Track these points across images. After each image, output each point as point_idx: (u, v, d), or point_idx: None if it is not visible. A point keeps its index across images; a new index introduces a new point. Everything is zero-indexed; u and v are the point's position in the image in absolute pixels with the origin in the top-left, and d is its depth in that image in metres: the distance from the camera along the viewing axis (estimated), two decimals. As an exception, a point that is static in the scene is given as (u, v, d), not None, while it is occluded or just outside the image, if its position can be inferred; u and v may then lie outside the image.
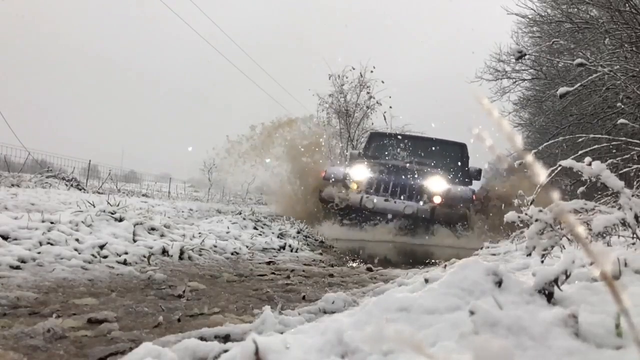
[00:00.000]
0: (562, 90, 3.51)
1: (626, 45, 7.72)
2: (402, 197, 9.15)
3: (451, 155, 10.99)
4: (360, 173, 9.57)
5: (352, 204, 9.01)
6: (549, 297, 1.08)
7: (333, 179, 9.60)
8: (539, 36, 13.55)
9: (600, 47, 9.34)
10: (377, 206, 8.84)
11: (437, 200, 9.04)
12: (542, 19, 12.94)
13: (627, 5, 8.28)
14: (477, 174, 10.55)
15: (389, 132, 12.60)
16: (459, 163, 10.91)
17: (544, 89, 14.56)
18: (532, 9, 13.06)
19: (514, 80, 15.69)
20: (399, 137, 11.85)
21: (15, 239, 2.76)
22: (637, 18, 8.16)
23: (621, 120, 4.43)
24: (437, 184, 9.16)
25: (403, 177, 9.37)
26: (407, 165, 9.75)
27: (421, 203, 9.00)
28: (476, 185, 11.24)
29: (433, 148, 11.03)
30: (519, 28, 14.73)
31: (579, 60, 3.63)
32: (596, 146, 5.13)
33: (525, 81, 15.93)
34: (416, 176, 9.38)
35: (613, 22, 8.58)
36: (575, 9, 11.08)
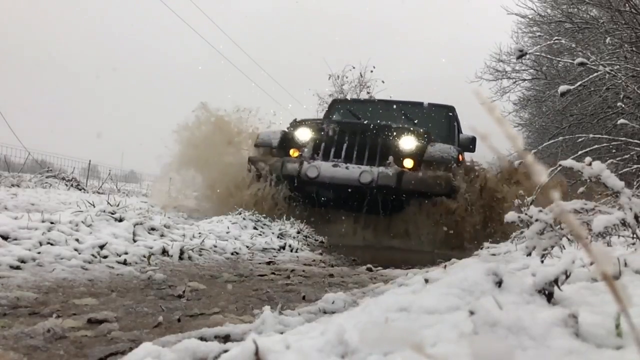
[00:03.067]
0: (562, 88, 3.51)
1: (626, 45, 7.72)
2: (359, 162, 6.61)
3: (435, 120, 8.30)
4: (304, 135, 7.00)
5: (288, 174, 6.53)
6: (549, 297, 1.08)
7: (266, 145, 7.24)
8: (539, 36, 13.55)
9: (600, 47, 9.34)
10: (322, 175, 6.32)
11: (408, 164, 6.57)
12: (542, 19, 12.95)
13: (627, 5, 8.28)
14: (471, 144, 7.85)
15: (357, 98, 9.74)
16: (446, 130, 8.22)
17: (544, 89, 14.57)
18: (532, 9, 13.07)
19: (514, 80, 15.70)
20: (369, 102, 9.39)
21: (15, 239, 2.76)
22: (637, 18, 8.15)
23: (621, 121, 4.43)
24: (408, 143, 6.68)
25: (361, 136, 6.77)
26: (368, 122, 7.21)
27: (384, 168, 6.38)
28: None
29: (412, 113, 8.37)
30: (518, 28, 14.75)
31: (580, 60, 3.63)
32: (596, 146, 5.13)
33: (525, 81, 15.94)
34: (380, 134, 6.77)
35: (613, 22, 8.58)
36: (575, 9, 11.08)
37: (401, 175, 6.27)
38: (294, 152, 7.07)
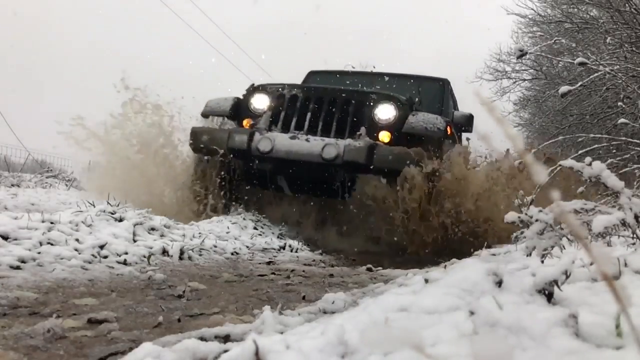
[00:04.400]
0: (563, 89, 3.51)
1: (626, 45, 7.72)
2: (326, 135, 5.41)
3: (426, 95, 6.82)
4: (261, 102, 5.74)
5: (235, 148, 5.34)
6: (549, 297, 1.08)
7: (215, 114, 6.05)
8: (539, 36, 13.56)
9: (601, 47, 9.34)
10: (277, 149, 5.19)
11: (384, 137, 5.40)
12: (542, 19, 12.96)
13: (627, 5, 8.28)
14: (467, 122, 6.59)
15: (337, 69, 7.86)
16: (438, 106, 6.82)
17: (544, 89, 14.57)
18: (532, 9, 13.08)
19: (514, 80, 15.71)
20: (351, 73, 7.64)
21: (15, 239, 2.76)
22: (637, 18, 8.16)
23: (621, 120, 4.43)
24: (385, 112, 5.49)
25: (329, 104, 5.55)
26: (338, 88, 5.99)
27: (352, 140, 5.19)
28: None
29: (399, 86, 6.86)
30: (518, 28, 14.75)
31: (580, 59, 3.64)
32: (596, 146, 5.13)
33: (525, 81, 15.95)
34: (352, 102, 5.57)
35: (613, 22, 8.59)
36: (575, 9, 11.09)
37: (373, 150, 5.05)
38: (248, 123, 5.76)
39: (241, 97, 5.98)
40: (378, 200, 5.29)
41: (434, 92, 7.10)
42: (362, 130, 5.31)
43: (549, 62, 13.49)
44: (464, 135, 7.11)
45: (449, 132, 5.70)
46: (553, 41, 6.73)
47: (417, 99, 6.06)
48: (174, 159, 6.20)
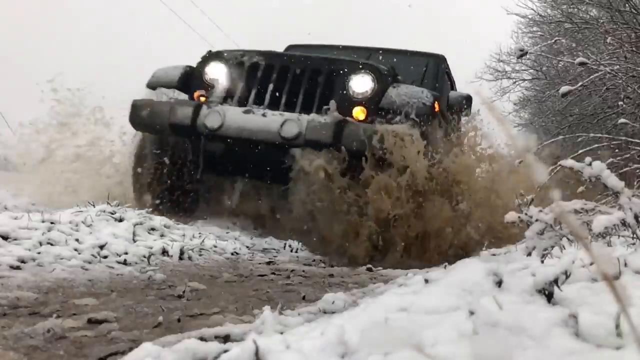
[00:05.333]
0: (564, 89, 3.52)
1: (626, 45, 7.72)
2: (289, 109, 4.55)
3: (418, 74, 5.96)
4: (217, 71, 4.87)
5: (178, 124, 4.51)
6: (549, 297, 1.08)
7: (162, 85, 5.05)
8: (539, 36, 13.57)
9: (600, 47, 9.35)
10: (227, 125, 4.39)
11: (358, 113, 4.52)
12: (542, 19, 12.96)
13: (627, 5, 8.29)
14: (464, 104, 5.67)
15: (319, 43, 6.80)
16: (432, 85, 5.81)
17: (544, 89, 14.57)
18: (532, 9, 13.09)
19: (514, 80, 15.72)
20: (334, 48, 6.50)
21: (15, 239, 2.76)
22: (637, 18, 8.16)
23: (622, 120, 4.44)
24: (361, 84, 4.61)
25: (295, 74, 4.68)
26: (306, 55, 5.19)
27: (317, 115, 4.37)
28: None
29: (388, 63, 5.52)
30: (518, 28, 14.76)
31: (580, 59, 3.64)
32: (596, 145, 5.13)
33: (525, 81, 15.95)
34: (322, 71, 4.68)
35: (613, 22, 8.59)
36: (575, 9, 11.09)
37: (341, 127, 4.23)
38: (199, 96, 4.82)
39: (194, 66, 5.05)
40: (328, 194, 4.35)
41: (428, 70, 6.18)
42: (332, 103, 4.40)
43: (549, 62, 13.50)
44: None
45: (435, 108, 4.68)
46: (553, 41, 6.73)
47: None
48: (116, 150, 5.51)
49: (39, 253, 2.66)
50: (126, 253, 3.01)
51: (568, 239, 1.70)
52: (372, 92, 4.62)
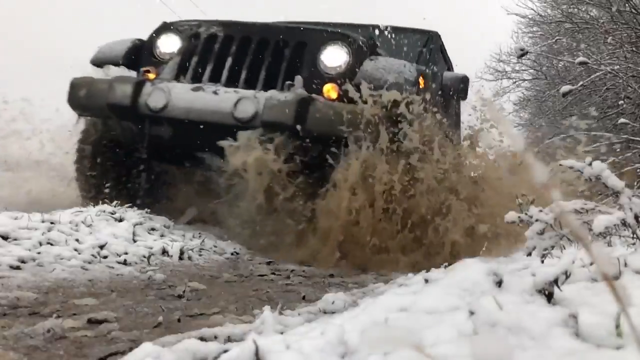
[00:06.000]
0: (565, 88, 3.52)
1: (626, 45, 7.72)
2: (250, 87, 3.93)
3: (410, 51, 5.17)
4: (170, 44, 4.28)
5: (117, 104, 3.94)
6: (549, 297, 1.08)
7: (107, 62, 4.46)
8: (539, 36, 13.57)
9: (601, 47, 9.35)
10: (173, 105, 3.81)
11: (329, 90, 3.91)
12: (542, 19, 12.97)
13: (627, 5, 8.28)
14: (460, 86, 5.07)
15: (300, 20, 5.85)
16: (424, 65, 4.95)
17: (544, 89, 14.58)
18: (532, 9, 13.09)
19: (514, 80, 15.73)
20: (318, 24, 5.41)
21: (15, 239, 2.76)
22: (637, 18, 8.16)
23: (622, 120, 4.44)
24: (333, 57, 4.00)
25: (258, 46, 4.05)
26: (271, 23, 4.66)
27: (277, 92, 3.74)
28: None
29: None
30: (519, 28, 14.77)
31: (581, 59, 3.64)
32: (597, 144, 5.13)
33: (525, 81, 15.96)
34: (289, 42, 4.05)
35: (613, 22, 8.59)
36: (575, 9, 11.09)
37: (306, 106, 3.60)
38: (148, 73, 4.16)
39: (145, 40, 4.46)
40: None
41: (419, 47, 5.45)
42: (297, 79, 3.79)
43: (549, 62, 13.51)
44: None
45: (422, 84, 4.05)
46: (554, 40, 6.73)
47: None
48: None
49: (39, 253, 2.66)
50: (126, 253, 3.01)
51: (569, 239, 1.70)
52: (346, 66, 3.96)
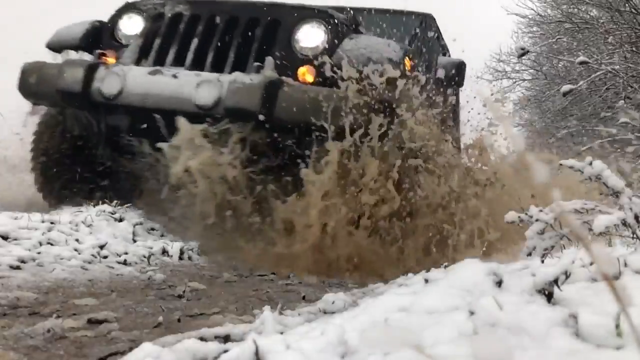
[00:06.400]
0: (565, 88, 3.52)
1: (626, 45, 7.72)
2: (217, 70, 3.54)
3: (402, 36, 4.68)
4: (132, 25, 3.93)
5: (67, 90, 3.56)
6: (549, 297, 1.08)
7: (64, 46, 4.07)
8: (539, 36, 13.58)
9: (600, 47, 9.35)
10: (128, 91, 3.44)
11: (304, 73, 3.51)
12: (542, 19, 12.97)
13: (627, 5, 8.29)
14: (456, 72, 4.68)
15: None
16: (418, 48, 4.80)
17: (544, 89, 14.58)
18: (532, 9, 13.10)
19: (514, 80, 15.74)
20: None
21: (15, 239, 2.76)
22: (637, 18, 8.16)
23: (622, 119, 4.44)
24: (310, 37, 3.60)
25: (226, 26, 3.67)
26: (242, 2, 3.96)
27: (243, 75, 3.31)
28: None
29: (367, 26, 4.36)
30: (519, 28, 14.77)
31: (581, 58, 3.64)
32: (598, 142, 5.13)
33: (525, 81, 15.97)
34: (260, 21, 3.67)
35: (613, 22, 8.59)
36: (575, 9, 11.10)
37: (274, 89, 3.20)
38: (107, 57, 3.75)
39: (106, 22, 4.09)
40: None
41: (412, 30, 4.95)
42: (268, 60, 3.35)
43: (549, 62, 13.51)
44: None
45: (408, 65, 3.57)
46: (555, 39, 6.74)
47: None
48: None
49: (39, 253, 2.66)
50: (126, 253, 3.01)
51: (569, 239, 1.70)
52: (324, 46, 3.54)
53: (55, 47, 4.13)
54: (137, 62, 3.72)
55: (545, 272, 1.11)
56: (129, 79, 3.46)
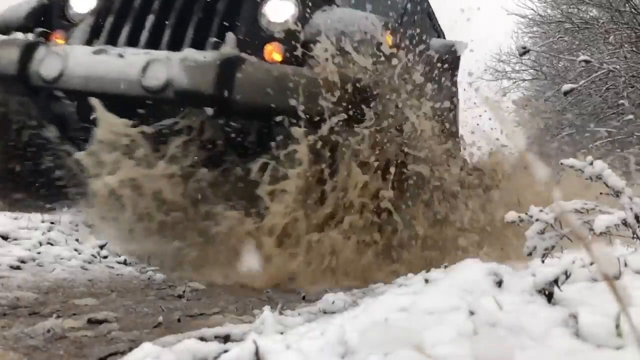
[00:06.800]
0: (566, 87, 3.51)
1: (626, 45, 7.72)
2: (175, 49, 3.05)
3: (388, 15, 3.91)
4: (84, 3, 3.50)
5: (1, 72, 3.17)
6: (549, 297, 1.08)
7: (10, 27, 3.71)
8: (539, 36, 13.58)
9: (600, 47, 9.35)
10: (69, 74, 3.01)
11: (272, 51, 3.10)
12: (542, 19, 12.97)
13: (627, 5, 8.29)
14: (450, 56, 4.26)
15: None
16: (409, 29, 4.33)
17: (544, 89, 14.59)
18: (532, 9, 13.10)
19: (514, 80, 15.74)
20: None
21: (15, 239, 2.76)
22: (637, 18, 8.17)
23: (628, 116, 4.43)
24: (278, 10, 3.19)
25: (188, 2, 3.22)
26: None
27: (196, 53, 2.87)
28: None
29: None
30: (519, 28, 14.78)
31: (583, 57, 3.64)
32: (597, 142, 5.14)
33: (525, 81, 15.97)
34: None
35: (613, 22, 8.59)
36: (575, 9, 11.10)
37: (231, 68, 2.78)
38: (56, 37, 3.45)
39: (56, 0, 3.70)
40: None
41: (400, 9, 4.43)
42: (229, 37, 2.95)
43: (549, 63, 13.51)
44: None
45: (388, 43, 3.06)
46: (557, 38, 6.74)
47: None
48: None
49: (39, 253, 2.66)
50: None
51: (569, 239, 1.70)
52: (294, 21, 3.13)
53: (1, 28, 3.75)
54: (89, 43, 3.27)
55: (545, 272, 1.11)
56: (71, 59, 3.04)
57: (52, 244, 2.82)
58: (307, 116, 2.70)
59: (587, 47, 10.05)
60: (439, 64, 3.80)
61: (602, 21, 9.17)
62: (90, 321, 1.73)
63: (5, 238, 2.74)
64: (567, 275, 1.12)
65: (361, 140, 2.79)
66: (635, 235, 1.54)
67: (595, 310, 0.96)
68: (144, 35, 3.18)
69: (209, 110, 2.87)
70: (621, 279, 1.17)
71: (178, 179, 2.87)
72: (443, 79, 3.91)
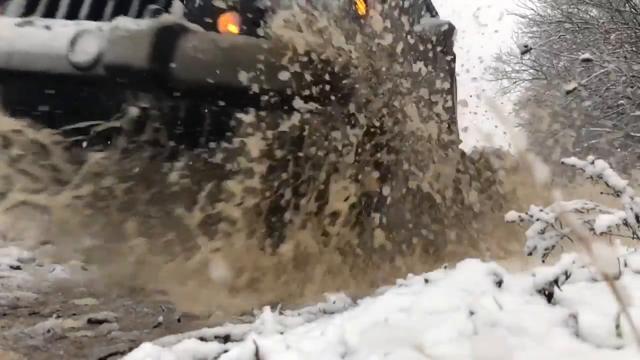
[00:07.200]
0: (568, 86, 3.50)
1: (626, 45, 7.72)
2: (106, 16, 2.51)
3: None
4: None
5: None
6: (549, 297, 1.08)
7: None
8: (539, 36, 13.59)
9: (600, 46, 9.35)
10: None
11: (227, 24, 2.44)
12: (542, 19, 12.97)
13: (627, 5, 8.29)
14: (443, 36, 3.93)
15: None
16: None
17: (544, 89, 14.61)
18: (532, 9, 13.11)
19: (514, 80, 15.75)
20: None
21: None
22: (637, 18, 8.17)
23: (634, 113, 4.42)
24: None
25: None
26: None
27: (129, 21, 2.34)
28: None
29: None
30: (519, 28, 14.78)
31: (584, 56, 3.63)
32: (595, 141, 5.13)
33: (525, 81, 15.98)
34: None
35: (613, 22, 8.59)
36: (575, 9, 11.11)
37: (170, 38, 2.38)
38: None
39: None
40: None
41: None
42: (176, 4, 2.58)
43: (549, 62, 13.51)
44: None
45: (360, 10, 2.72)
46: (558, 37, 6.74)
47: None
48: None
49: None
50: (126, 253, 3.01)
51: (569, 238, 1.70)
52: None
53: None
54: (25, 15, 2.75)
55: (545, 272, 1.11)
56: None
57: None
58: (265, 96, 2.27)
59: (587, 47, 10.04)
60: (428, 45, 3.32)
61: (602, 21, 9.17)
62: (90, 321, 1.73)
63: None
64: (567, 275, 1.12)
65: (343, 137, 2.32)
66: (635, 235, 1.54)
67: (595, 310, 0.95)
68: (85, 6, 2.68)
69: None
70: (621, 279, 1.17)
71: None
72: (439, 59, 3.41)
